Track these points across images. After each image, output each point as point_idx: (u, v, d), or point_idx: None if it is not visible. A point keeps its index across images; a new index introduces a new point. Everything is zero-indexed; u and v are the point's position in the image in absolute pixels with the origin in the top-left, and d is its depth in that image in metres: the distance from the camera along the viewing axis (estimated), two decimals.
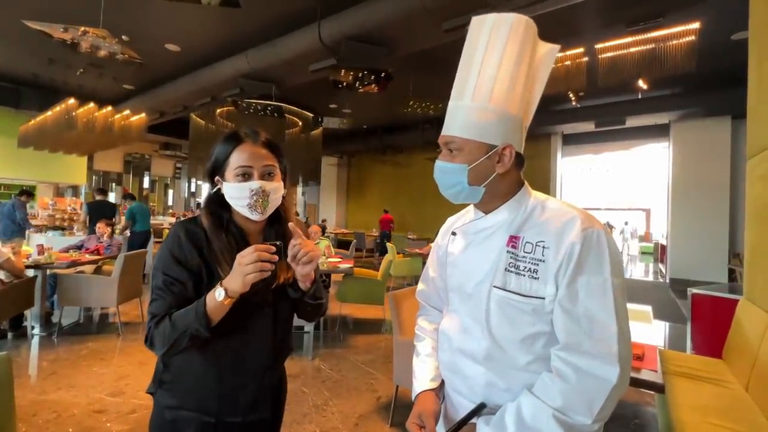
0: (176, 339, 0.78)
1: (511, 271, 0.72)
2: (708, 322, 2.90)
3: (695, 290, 3.02)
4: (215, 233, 0.87)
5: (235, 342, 0.87)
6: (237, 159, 0.86)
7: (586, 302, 0.66)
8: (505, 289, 0.72)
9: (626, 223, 15.76)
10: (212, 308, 0.78)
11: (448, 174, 0.76)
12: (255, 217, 0.88)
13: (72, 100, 6.16)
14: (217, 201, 0.90)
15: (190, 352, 0.85)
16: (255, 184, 0.85)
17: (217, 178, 0.89)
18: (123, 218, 6.22)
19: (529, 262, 0.71)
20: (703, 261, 7.27)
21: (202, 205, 0.93)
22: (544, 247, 0.70)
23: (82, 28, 3.70)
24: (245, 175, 0.86)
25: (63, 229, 7.42)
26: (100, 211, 5.51)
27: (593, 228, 0.68)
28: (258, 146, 0.88)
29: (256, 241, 0.93)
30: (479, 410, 0.73)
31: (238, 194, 0.86)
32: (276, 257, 0.78)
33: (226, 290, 0.77)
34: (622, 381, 0.64)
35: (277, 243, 0.80)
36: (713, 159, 7.26)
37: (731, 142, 7.14)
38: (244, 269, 0.76)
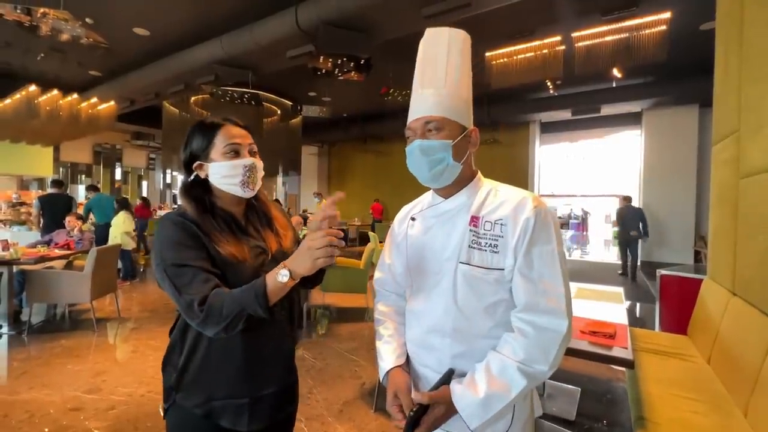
0: (233, 318, 0.77)
1: (474, 248, 0.81)
2: (675, 302, 3.05)
3: (663, 271, 3.17)
4: (202, 217, 0.86)
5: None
6: (224, 138, 0.88)
7: (541, 269, 0.77)
8: (469, 264, 0.81)
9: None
10: (273, 289, 0.78)
11: (435, 150, 0.80)
12: (247, 194, 0.91)
13: (33, 87, 5.82)
14: (196, 187, 0.90)
15: (211, 340, 0.85)
16: (248, 160, 0.89)
17: (197, 164, 0.89)
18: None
19: (489, 239, 0.80)
20: (671, 244, 7.61)
21: (179, 195, 0.91)
22: (502, 225, 0.80)
23: (42, 10, 3.48)
24: (236, 153, 0.89)
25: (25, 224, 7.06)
26: (53, 206, 4.99)
27: (541, 207, 0.80)
28: (240, 128, 0.92)
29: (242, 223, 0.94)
30: (449, 377, 0.80)
31: (231, 172, 0.88)
32: (342, 243, 0.78)
33: (290, 272, 0.77)
34: (569, 331, 0.76)
35: (344, 229, 0.83)
36: (681, 146, 7.56)
37: (698, 129, 7.44)
38: (315, 253, 0.75)
